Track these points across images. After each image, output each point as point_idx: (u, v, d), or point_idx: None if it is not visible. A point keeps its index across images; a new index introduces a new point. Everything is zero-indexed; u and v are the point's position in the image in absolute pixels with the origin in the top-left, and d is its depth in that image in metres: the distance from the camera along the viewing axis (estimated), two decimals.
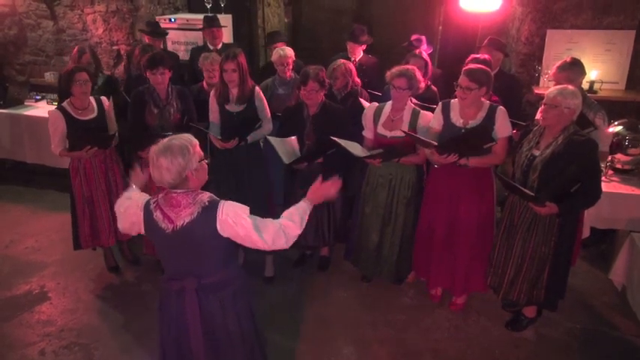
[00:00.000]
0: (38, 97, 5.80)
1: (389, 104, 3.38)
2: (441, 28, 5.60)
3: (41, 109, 5.49)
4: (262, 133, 3.61)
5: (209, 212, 2.05)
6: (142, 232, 2.18)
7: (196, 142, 2.10)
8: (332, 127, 3.43)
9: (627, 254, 3.58)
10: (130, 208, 2.19)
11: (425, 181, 3.54)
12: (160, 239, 2.13)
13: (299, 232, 2.18)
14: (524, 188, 2.84)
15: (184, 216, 2.05)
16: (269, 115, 3.70)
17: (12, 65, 6.46)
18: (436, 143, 3.05)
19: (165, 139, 2.06)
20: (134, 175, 2.47)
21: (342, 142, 3.23)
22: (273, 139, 3.45)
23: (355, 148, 3.28)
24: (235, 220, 2.05)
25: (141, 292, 3.80)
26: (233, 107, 3.60)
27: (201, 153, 2.11)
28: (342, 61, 3.95)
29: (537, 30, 4.58)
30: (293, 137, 3.51)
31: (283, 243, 2.14)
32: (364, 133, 3.49)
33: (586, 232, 3.65)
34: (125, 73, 5.00)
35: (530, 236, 3.01)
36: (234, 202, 2.11)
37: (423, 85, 3.40)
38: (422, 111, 3.33)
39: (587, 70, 3.49)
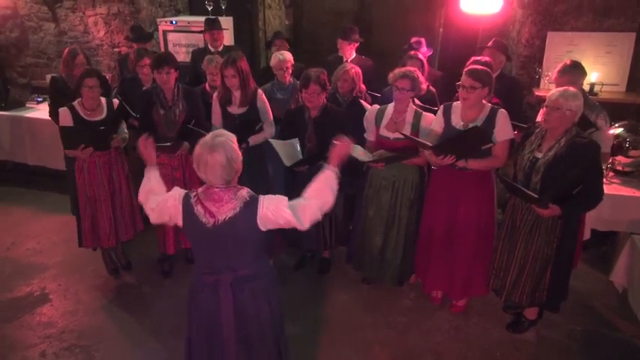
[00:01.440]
0: (39, 99, 5.82)
1: (391, 106, 3.39)
2: (441, 30, 5.62)
3: (42, 111, 5.49)
4: (264, 136, 3.62)
5: (250, 207, 2.11)
6: (179, 224, 2.19)
7: (234, 136, 2.16)
8: (333, 130, 3.42)
9: (628, 256, 3.58)
10: (168, 201, 2.20)
11: (426, 183, 3.54)
12: (198, 233, 2.16)
13: (333, 199, 2.22)
14: (527, 190, 2.84)
15: (226, 211, 2.09)
16: (271, 118, 3.71)
17: (13, 67, 6.48)
18: (431, 144, 3.06)
19: (208, 138, 2.10)
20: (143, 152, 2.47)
21: None
22: (274, 142, 3.46)
23: (357, 153, 3.27)
24: (276, 213, 2.12)
25: (141, 294, 3.81)
26: (235, 110, 3.62)
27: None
28: (351, 65, 3.96)
29: (538, 32, 4.59)
30: (294, 139, 3.51)
31: (319, 217, 2.20)
32: (366, 135, 3.49)
33: (587, 234, 3.64)
34: (118, 78, 5.01)
35: (533, 238, 3.01)
36: (273, 195, 2.17)
37: (424, 86, 3.41)
38: (424, 112, 3.34)
39: (587, 73, 3.49)
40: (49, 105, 4.39)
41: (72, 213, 4.47)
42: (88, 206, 3.70)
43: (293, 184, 3.68)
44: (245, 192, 2.15)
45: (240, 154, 2.15)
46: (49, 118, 4.37)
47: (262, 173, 3.75)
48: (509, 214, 3.14)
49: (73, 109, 3.53)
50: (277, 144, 3.44)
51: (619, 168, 3.86)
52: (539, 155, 2.89)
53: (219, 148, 2.06)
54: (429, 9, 5.79)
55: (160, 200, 2.23)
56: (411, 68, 3.33)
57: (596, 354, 3.22)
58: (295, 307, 3.60)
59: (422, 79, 3.32)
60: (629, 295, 3.59)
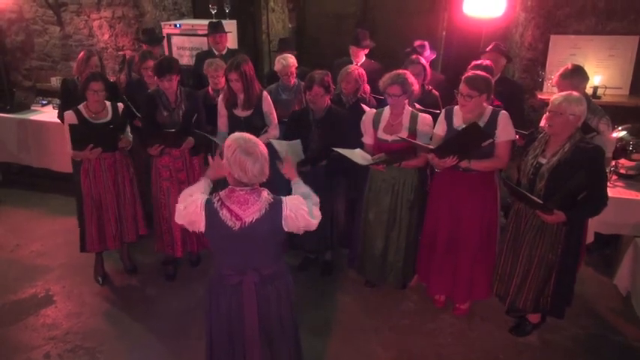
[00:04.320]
0: (44, 102, 5.85)
1: (387, 109, 3.40)
2: (444, 33, 5.63)
3: (47, 113, 5.53)
4: (267, 138, 3.64)
5: (275, 208, 2.15)
6: (202, 230, 2.20)
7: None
8: (337, 132, 3.46)
9: (631, 259, 3.58)
10: (190, 207, 2.20)
11: (429, 186, 3.55)
12: (223, 237, 2.18)
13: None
14: (531, 196, 2.84)
15: (252, 213, 2.13)
16: (276, 121, 3.73)
17: (19, 70, 6.52)
18: (432, 147, 3.06)
19: (241, 142, 2.12)
20: (213, 168, 2.41)
21: (345, 152, 3.25)
22: (276, 142, 3.47)
23: (357, 157, 3.29)
24: (297, 213, 2.17)
25: (145, 296, 3.82)
26: (240, 112, 3.65)
27: None
28: (355, 66, 3.98)
29: (541, 35, 4.59)
30: (297, 140, 3.53)
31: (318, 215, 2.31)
32: (363, 139, 3.50)
33: (590, 238, 3.64)
34: (126, 79, 5.05)
35: (537, 244, 3.01)
36: (292, 196, 2.23)
37: (417, 87, 3.42)
38: (420, 114, 3.36)
39: (590, 76, 3.48)
40: (59, 107, 4.42)
41: (78, 218, 4.49)
42: (94, 210, 3.70)
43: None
44: (266, 193, 2.19)
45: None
46: (57, 120, 4.41)
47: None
48: (514, 220, 3.13)
49: (78, 112, 3.56)
50: (279, 144, 3.45)
51: (622, 171, 3.86)
52: (544, 161, 2.88)
53: (257, 147, 2.12)
54: (432, 12, 5.80)
55: (190, 202, 2.23)
56: (401, 71, 3.34)
57: (600, 357, 3.21)
58: (298, 310, 3.60)
59: (412, 80, 3.31)
60: (633, 299, 3.58)
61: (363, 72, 3.98)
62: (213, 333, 2.39)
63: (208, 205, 2.17)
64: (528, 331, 3.35)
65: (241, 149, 2.10)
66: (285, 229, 2.19)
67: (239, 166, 2.11)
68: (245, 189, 2.15)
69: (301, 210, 2.19)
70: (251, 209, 2.13)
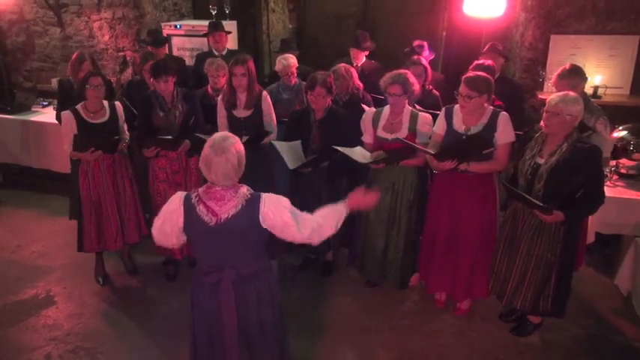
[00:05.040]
0: (45, 103, 5.85)
1: (387, 108, 3.41)
2: (444, 33, 5.62)
3: (48, 114, 5.53)
4: (268, 140, 3.65)
5: (252, 204, 2.14)
6: (180, 225, 2.19)
7: (238, 138, 2.22)
8: (338, 132, 3.46)
9: (632, 259, 3.58)
10: (169, 205, 2.20)
11: (429, 186, 3.55)
12: (200, 233, 2.18)
13: (332, 233, 2.26)
14: (531, 198, 2.84)
15: (228, 209, 2.13)
16: (275, 122, 3.74)
17: (19, 72, 6.52)
18: (433, 152, 3.07)
19: (217, 140, 2.12)
20: None
21: (345, 151, 3.25)
22: (278, 144, 3.48)
23: (357, 155, 3.29)
24: (275, 212, 2.14)
25: (146, 296, 3.82)
26: (240, 112, 3.66)
27: None
28: (343, 64, 3.99)
29: (541, 35, 4.59)
30: (297, 141, 3.53)
31: (316, 240, 2.23)
32: (363, 137, 3.51)
33: (591, 238, 3.64)
34: (131, 79, 5.05)
35: (535, 244, 3.00)
36: (274, 195, 2.20)
37: (417, 87, 3.42)
38: (420, 113, 3.36)
39: (591, 76, 3.48)
40: (57, 107, 4.42)
41: (70, 218, 4.49)
42: (93, 211, 3.70)
43: (296, 186, 3.70)
44: (245, 189, 2.18)
45: (244, 155, 2.19)
46: (56, 121, 4.40)
47: (265, 175, 3.76)
48: (511, 219, 3.13)
49: (75, 112, 3.55)
50: (281, 146, 3.46)
51: (623, 171, 3.86)
52: (541, 161, 2.88)
53: (229, 150, 2.10)
54: (432, 12, 5.80)
55: (163, 211, 2.23)
56: (402, 71, 3.35)
57: (601, 357, 3.21)
58: (298, 310, 3.60)
59: (413, 80, 3.32)
60: (634, 299, 3.58)
61: (351, 68, 3.98)
62: (196, 333, 2.37)
63: (187, 200, 2.18)
64: (530, 331, 3.34)
65: (214, 147, 2.10)
66: (264, 226, 2.17)
67: (205, 160, 2.12)
68: (222, 185, 2.15)
69: (281, 211, 2.15)
70: (227, 205, 2.13)
